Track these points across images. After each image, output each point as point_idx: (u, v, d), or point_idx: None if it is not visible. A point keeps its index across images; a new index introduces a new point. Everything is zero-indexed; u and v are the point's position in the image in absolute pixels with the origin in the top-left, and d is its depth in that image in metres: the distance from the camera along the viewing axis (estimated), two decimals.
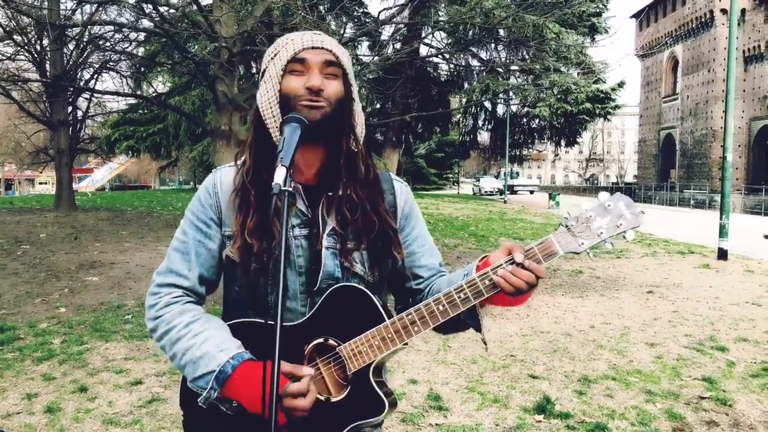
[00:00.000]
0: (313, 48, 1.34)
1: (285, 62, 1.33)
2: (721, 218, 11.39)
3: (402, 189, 1.51)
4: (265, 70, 1.38)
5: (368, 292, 1.32)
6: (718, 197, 17.38)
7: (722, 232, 11.27)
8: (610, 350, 5.47)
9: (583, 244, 1.26)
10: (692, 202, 39.86)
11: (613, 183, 75.19)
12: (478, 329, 1.38)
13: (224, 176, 1.43)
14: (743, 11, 40.16)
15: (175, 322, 1.34)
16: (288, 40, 1.36)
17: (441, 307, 1.29)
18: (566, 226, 1.27)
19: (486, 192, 48.18)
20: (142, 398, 4.16)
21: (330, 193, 1.38)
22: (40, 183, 61.27)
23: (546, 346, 5.55)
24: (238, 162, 1.42)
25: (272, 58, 1.37)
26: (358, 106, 1.41)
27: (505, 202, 32.74)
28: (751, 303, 7.54)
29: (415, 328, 1.29)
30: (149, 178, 63.52)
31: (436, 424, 3.82)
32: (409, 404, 4.12)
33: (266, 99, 1.35)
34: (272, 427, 1.09)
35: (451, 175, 62.70)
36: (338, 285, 1.33)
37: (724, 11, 39.89)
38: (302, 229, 1.36)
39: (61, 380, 4.49)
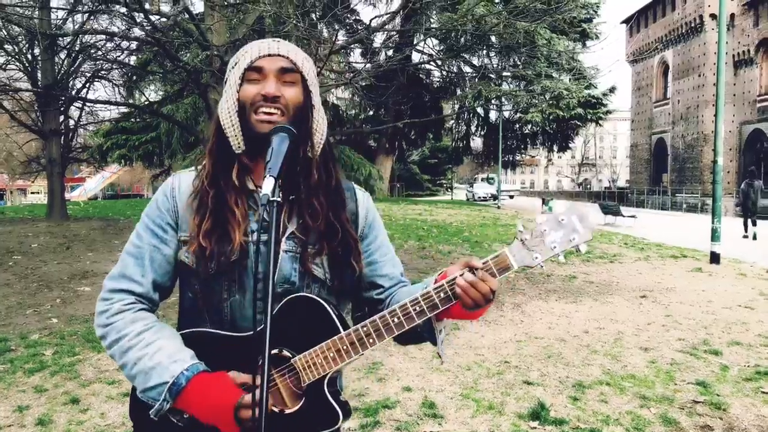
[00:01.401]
0: (269, 55, 1.35)
1: (242, 70, 1.34)
2: (713, 222, 11.44)
3: (364, 198, 1.52)
4: (226, 80, 1.40)
5: (323, 302, 1.31)
6: (709, 201, 17.44)
7: (714, 235, 11.32)
8: (604, 355, 5.47)
9: (537, 258, 1.28)
10: (684, 206, 40.06)
11: (605, 188, 75.45)
12: (434, 342, 1.37)
13: (183, 180, 1.43)
14: (732, 16, 40.49)
15: (126, 331, 1.31)
16: (248, 48, 1.38)
17: (396, 320, 1.28)
18: (521, 240, 1.29)
19: (479, 198, 48.39)
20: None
21: (292, 197, 1.38)
22: (32, 192, 60.91)
23: (540, 352, 5.55)
24: (199, 167, 1.43)
25: (233, 67, 1.39)
26: (319, 113, 1.41)
27: (498, 207, 32.78)
28: (744, 306, 7.56)
29: (370, 341, 1.28)
30: (142, 186, 63.24)
31: (431, 431, 3.81)
32: (403, 412, 4.10)
33: (225, 107, 1.36)
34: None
35: (444, 181, 62.84)
36: (293, 295, 1.31)
37: (713, 16, 40.22)
38: (263, 234, 1.32)
39: (53, 392, 4.45)
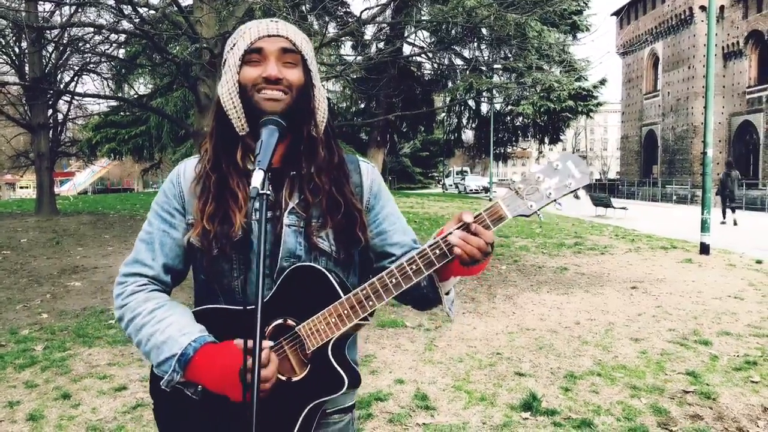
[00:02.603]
0: (269, 36, 1.34)
1: (242, 52, 1.33)
2: (702, 213, 11.51)
3: (368, 169, 1.52)
4: (225, 62, 1.39)
5: (324, 270, 1.32)
6: (699, 192, 17.68)
7: (704, 226, 11.39)
8: (595, 346, 5.50)
9: (532, 206, 1.25)
10: (674, 197, 40.30)
11: (596, 179, 75.72)
12: (439, 302, 1.38)
13: (188, 167, 1.46)
14: (722, 8, 40.63)
15: (139, 309, 1.35)
16: (246, 29, 1.37)
17: (394, 280, 1.29)
18: (514, 190, 1.26)
19: (471, 190, 48.67)
20: (126, 404, 4.12)
21: (293, 173, 1.39)
22: (21, 187, 60.44)
23: (532, 344, 5.57)
24: (201, 152, 1.45)
25: (231, 49, 1.37)
26: (319, 92, 1.40)
27: (490, 200, 32.86)
28: (734, 297, 7.63)
29: (370, 303, 1.29)
30: (132, 180, 62.94)
31: (424, 423, 3.82)
32: (396, 404, 4.11)
33: (226, 90, 1.35)
34: (253, 413, 1.09)
35: (436, 174, 62.91)
36: (295, 265, 1.33)
37: (702, 8, 40.34)
38: (267, 211, 1.34)
39: (44, 387, 4.43)
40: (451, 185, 53.98)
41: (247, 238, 1.35)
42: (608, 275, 9.18)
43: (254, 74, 1.32)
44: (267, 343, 1.26)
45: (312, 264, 1.34)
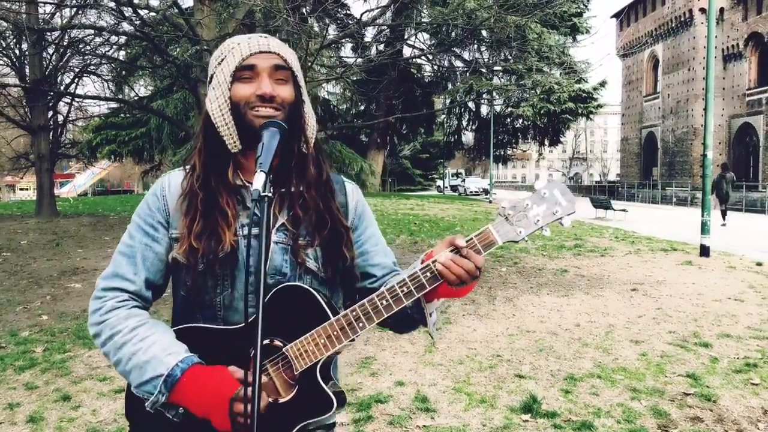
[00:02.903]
0: (260, 53, 1.33)
1: (233, 69, 1.32)
2: (702, 215, 11.51)
3: (353, 190, 1.53)
4: (212, 76, 1.37)
5: (312, 290, 1.31)
6: (699, 194, 17.68)
7: (704, 229, 11.38)
8: (595, 348, 5.50)
9: (521, 232, 1.29)
10: (674, 199, 40.28)
11: (596, 181, 75.79)
12: (425, 324, 1.38)
13: (172, 180, 1.43)
14: (721, 10, 40.66)
15: (120, 327, 1.31)
16: (234, 44, 1.35)
17: (384, 302, 1.28)
18: (504, 216, 1.29)
19: (471, 192, 48.75)
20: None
21: (282, 190, 1.38)
22: (21, 189, 60.41)
23: (532, 346, 5.57)
24: (187, 167, 1.42)
25: (219, 63, 1.36)
26: (308, 108, 1.41)
27: (490, 202, 32.86)
28: (734, 299, 7.62)
29: (360, 324, 1.28)
30: (132, 182, 62.93)
31: (424, 425, 3.82)
32: (396, 406, 4.11)
33: (216, 106, 1.34)
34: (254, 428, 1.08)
35: (436, 176, 62.93)
36: (282, 285, 1.31)
37: (702, 10, 40.35)
38: (253, 228, 1.33)
39: (44, 389, 4.43)
40: (446, 187, 54.34)
41: (234, 254, 1.33)
42: (608, 277, 9.18)
43: (247, 92, 1.31)
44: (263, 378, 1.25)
45: (300, 284, 1.32)
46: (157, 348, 1.27)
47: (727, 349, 5.50)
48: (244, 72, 1.32)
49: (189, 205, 1.36)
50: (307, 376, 1.29)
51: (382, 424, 3.84)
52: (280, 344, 1.30)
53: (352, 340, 1.30)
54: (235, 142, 1.34)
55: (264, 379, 1.27)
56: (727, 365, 5.02)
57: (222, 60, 1.35)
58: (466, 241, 1.27)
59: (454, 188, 55.96)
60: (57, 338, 5.75)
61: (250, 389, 1.19)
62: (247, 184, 1.38)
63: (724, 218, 19.29)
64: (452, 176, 57.26)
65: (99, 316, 1.34)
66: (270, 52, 1.34)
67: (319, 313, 1.30)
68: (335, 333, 1.28)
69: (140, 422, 1.33)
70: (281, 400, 1.29)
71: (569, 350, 5.44)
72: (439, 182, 55.31)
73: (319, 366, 1.29)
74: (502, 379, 4.67)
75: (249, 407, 1.18)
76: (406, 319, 1.38)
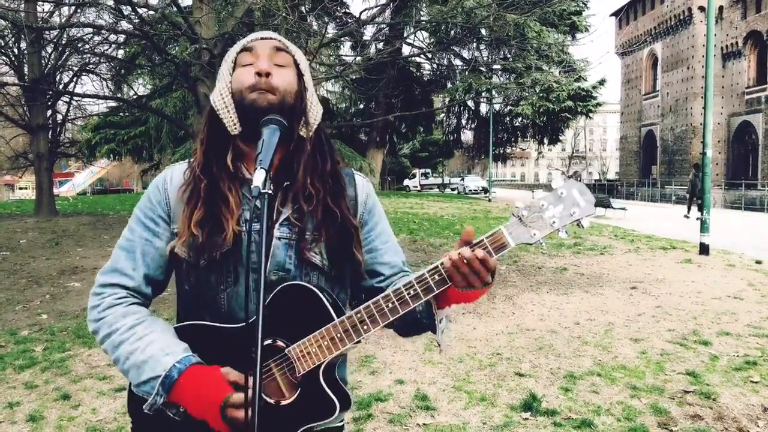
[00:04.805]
0: (262, 39, 1.36)
1: (234, 54, 1.36)
2: (702, 213, 11.51)
3: (363, 183, 1.49)
4: (218, 74, 1.41)
5: (316, 290, 1.27)
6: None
7: (703, 227, 11.39)
8: (594, 346, 5.50)
9: (535, 234, 1.21)
10: (674, 197, 40.29)
11: (595, 180, 75.78)
12: (434, 331, 1.34)
13: (175, 172, 1.41)
14: (720, 8, 40.68)
15: (117, 325, 1.28)
16: (240, 41, 1.40)
17: (390, 305, 1.24)
18: (518, 217, 1.22)
19: (470, 191, 48.79)
20: (126, 405, 4.10)
21: (287, 183, 1.35)
22: (20, 188, 60.38)
23: (532, 344, 5.57)
24: (190, 159, 1.41)
25: (224, 61, 1.39)
26: (312, 96, 1.40)
27: (489, 200, 32.86)
28: (733, 297, 7.63)
29: (365, 327, 1.25)
30: (131, 181, 62.87)
31: (424, 424, 3.82)
32: (396, 405, 4.11)
33: (218, 90, 1.35)
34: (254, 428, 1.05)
35: (435, 175, 62.92)
36: (285, 284, 1.28)
37: (701, 9, 40.40)
38: (255, 224, 1.29)
39: (44, 388, 4.43)
40: (415, 186, 54.14)
41: (237, 249, 1.29)
42: (608, 275, 9.18)
43: (246, 75, 1.32)
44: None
45: (303, 283, 1.29)
46: (155, 347, 1.24)
47: (726, 347, 5.50)
48: (244, 55, 1.34)
49: (191, 192, 1.33)
50: (310, 379, 1.26)
51: (382, 422, 3.84)
52: (283, 345, 1.27)
53: (357, 342, 1.26)
54: (235, 124, 1.33)
55: (266, 380, 1.25)
56: (727, 363, 5.02)
57: (227, 58, 1.39)
58: (478, 242, 1.22)
59: (423, 187, 55.98)
60: (56, 337, 5.75)
61: (250, 389, 1.17)
62: (248, 176, 1.35)
63: (689, 211, 21.58)
64: (421, 175, 57.18)
65: (97, 313, 1.32)
66: (271, 38, 1.37)
67: (323, 314, 1.27)
68: (339, 335, 1.25)
69: (142, 419, 1.31)
70: (284, 402, 1.27)
71: (569, 348, 5.44)
72: (407, 182, 55.00)
73: (322, 368, 1.26)
74: (502, 378, 4.67)
75: (240, 413, 1.15)
76: (414, 323, 1.35)
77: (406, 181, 54.73)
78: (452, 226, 15.64)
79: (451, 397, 4.26)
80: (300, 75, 1.38)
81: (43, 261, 9.53)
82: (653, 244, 13.09)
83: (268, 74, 1.30)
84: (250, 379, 1.17)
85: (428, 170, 57.25)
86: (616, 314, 6.72)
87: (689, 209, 21.76)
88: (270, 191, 1.12)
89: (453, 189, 55.97)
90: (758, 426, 3.82)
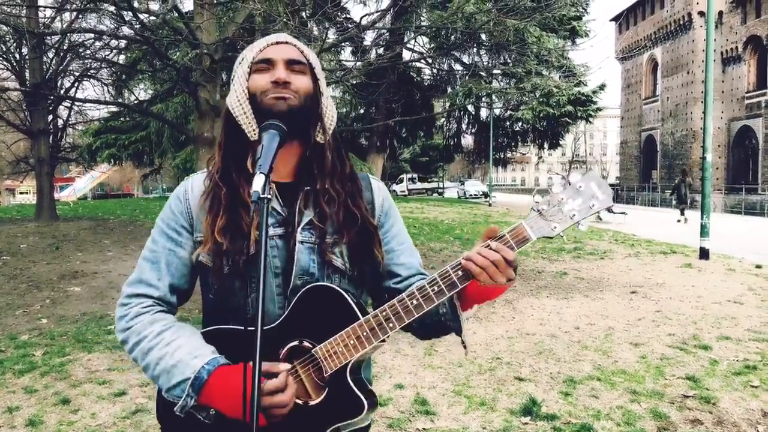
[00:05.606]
0: (277, 44, 1.36)
1: (250, 61, 1.35)
2: (702, 218, 11.51)
3: (379, 186, 1.51)
4: (234, 75, 1.40)
5: (341, 290, 1.29)
6: (698, 197, 17.73)
7: (703, 231, 11.39)
8: (594, 351, 5.50)
9: (555, 227, 1.24)
10: (674, 202, 40.25)
11: None
12: (459, 331, 1.35)
13: (195, 182, 1.43)
14: (720, 14, 40.78)
15: (145, 332, 1.31)
16: (254, 44, 1.39)
17: (415, 302, 1.26)
18: (538, 211, 1.25)
19: (471, 195, 48.82)
20: (125, 409, 4.11)
21: (307, 188, 1.37)
22: (21, 193, 60.45)
23: (531, 348, 5.57)
24: (210, 167, 1.42)
25: (239, 64, 1.39)
26: (328, 100, 1.41)
27: (489, 205, 32.85)
28: (733, 301, 7.62)
29: (390, 325, 1.26)
30: (132, 186, 62.95)
31: (423, 428, 3.82)
32: (395, 409, 4.11)
33: (235, 97, 1.36)
34: (254, 428, 1.05)
35: (435, 179, 62.95)
36: (310, 285, 1.30)
37: (701, 14, 40.49)
38: (276, 229, 1.33)
39: (43, 392, 4.43)
40: (403, 191, 53.55)
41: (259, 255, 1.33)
42: (608, 280, 9.18)
43: (263, 81, 1.33)
44: (284, 366, 1.24)
45: (328, 284, 1.31)
46: (184, 351, 1.26)
47: (726, 351, 5.50)
48: (260, 65, 1.35)
49: (212, 200, 1.35)
50: (337, 378, 1.27)
51: (381, 427, 3.84)
52: (309, 345, 1.29)
53: (383, 341, 1.27)
54: (254, 130, 1.34)
55: (293, 381, 1.26)
56: (727, 368, 5.02)
57: (242, 60, 1.39)
58: (499, 238, 1.25)
59: (411, 192, 55.29)
60: (56, 342, 5.75)
61: (277, 381, 1.20)
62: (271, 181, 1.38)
63: (682, 214, 22.77)
64: (409, 180, 57.17)
65: (125, 322, 1.34)
66: (286, 42, 1.37)
67: (348, 313, 1.28)
68: (365, 334, 1.26)
69: (171, 424, 1.32)
70: (311, 403, 1.28)
71: (569, 353, 5.44)
72: (394, 186, 54.58)
73: (349, 367, 1.27)
74: (502, 382, 4.67)
75: (277, 398, 1.19)
76: (436, 325, 1.36)
77: (394, 186, 54.46)
78: (452, 231, 15.65)
79: (450, 402, 4.26)
80: (315, 79, 1.39)
81: (44, 265, 9.54)
82: (653, 248, 13.09)
83: (286, 83, 1.32)
84: (287, 365, 1.22)
85: (415, 175, 57.06)
86: (616, 319, 6.72)
87: (682, 212, 22.94)
88: (269, 196, 1.13)
89: (440, 194, 55.59)
90: (758, 431, 3.82)
